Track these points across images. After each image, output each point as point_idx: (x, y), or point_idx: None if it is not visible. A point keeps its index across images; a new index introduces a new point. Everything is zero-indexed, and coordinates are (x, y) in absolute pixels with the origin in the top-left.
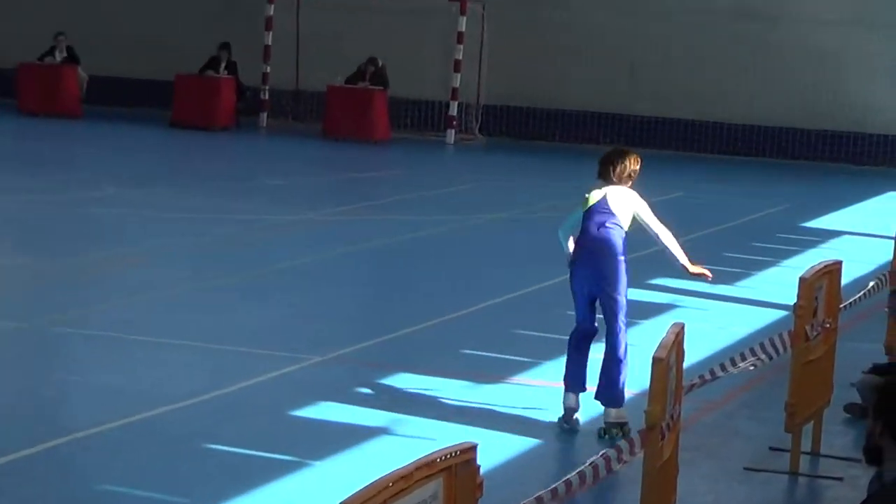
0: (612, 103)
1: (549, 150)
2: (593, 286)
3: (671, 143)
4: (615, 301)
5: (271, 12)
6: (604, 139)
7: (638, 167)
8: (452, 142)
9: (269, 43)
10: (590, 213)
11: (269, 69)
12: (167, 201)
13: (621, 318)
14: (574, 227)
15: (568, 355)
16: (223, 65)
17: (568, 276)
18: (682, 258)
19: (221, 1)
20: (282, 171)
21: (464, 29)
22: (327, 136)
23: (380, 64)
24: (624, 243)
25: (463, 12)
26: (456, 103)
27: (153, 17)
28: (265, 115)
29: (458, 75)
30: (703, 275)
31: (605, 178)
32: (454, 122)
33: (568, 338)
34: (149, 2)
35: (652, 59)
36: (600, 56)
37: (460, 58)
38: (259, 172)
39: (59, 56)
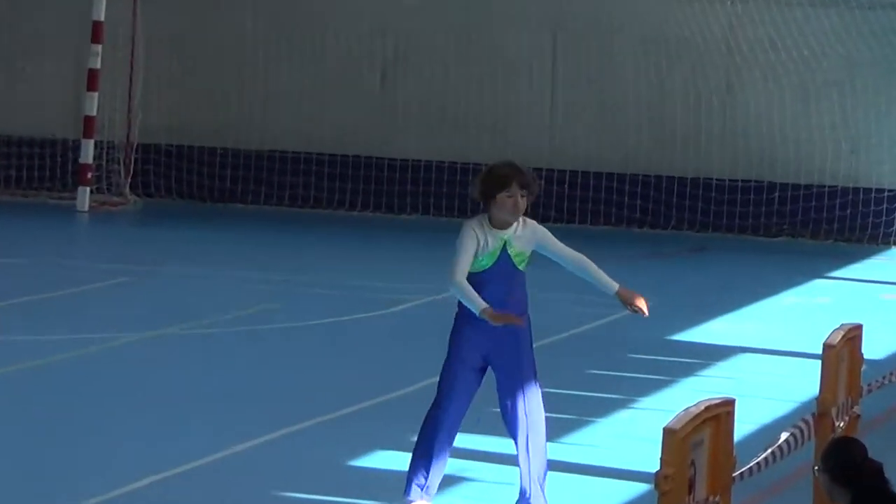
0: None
1: (247, 217)
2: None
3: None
4: None
5: None
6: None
7: None
8: (86, 208)
9: None
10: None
11: None
12: None
13: None
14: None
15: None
16: None
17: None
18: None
19: None
20: None
21: (102, 18)
22: None
23: None
24: None
25: None
26: (91, 144)
27: None
28: None
29: (95, 96)
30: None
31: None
32: (89, 176)
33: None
34: None
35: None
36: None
37: (97, 66)
38: None
39: None
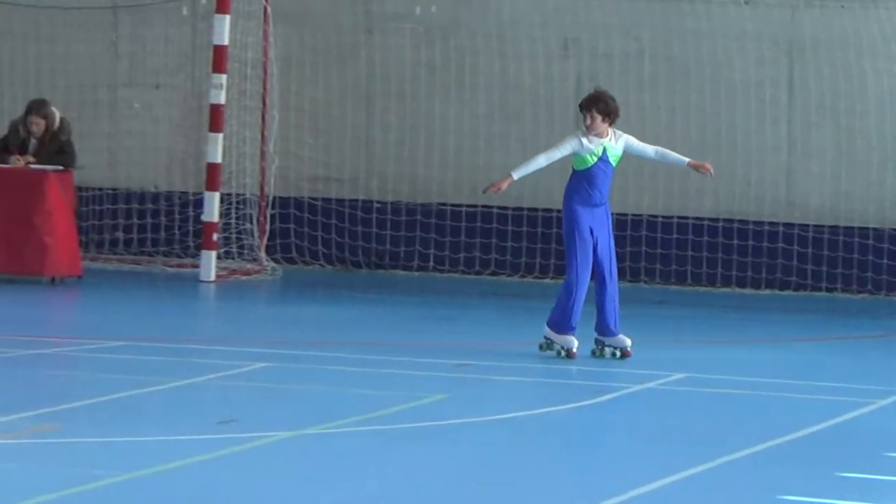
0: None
1: (411, 286)
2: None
3: None
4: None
5: None
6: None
7: None
8: (212, 277)
9: None
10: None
11: None
12: None
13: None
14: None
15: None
16: None
17: None
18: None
19: None
20: None
21: (225, 41)
22: None
23: (57, 119)
24: None
25: (224, 9)
26: (216, 198)
27: None
28: None
29: (219, 139)
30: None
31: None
32: (215, 237)
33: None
34: None
35: None
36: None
37: (222, 102)
38: None
39: None
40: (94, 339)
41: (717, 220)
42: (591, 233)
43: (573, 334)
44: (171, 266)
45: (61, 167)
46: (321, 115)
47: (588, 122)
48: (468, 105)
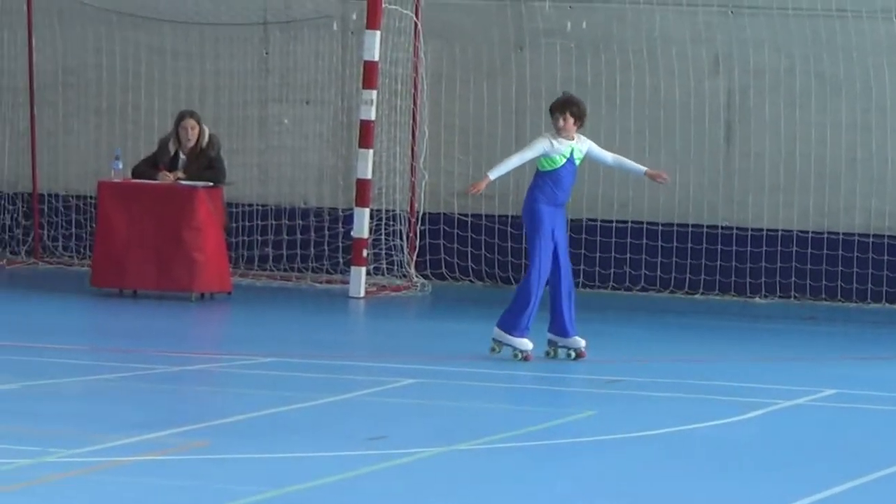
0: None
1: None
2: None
3: None
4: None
5: None
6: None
7: None
8: (362, 293)
9: None
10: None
11: None
12: None
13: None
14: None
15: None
16: None
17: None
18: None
19: None
20: None
21: (376, 56)
22: (101, 289)
23: (207, 135)
24: None
25: (374, 25)
26: (365, 214)
27: None
28: None
29: (369, 155)
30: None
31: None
32: (364, 254)
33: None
34: None
35: None
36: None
37: (372, 118)
38: None
39: None
40: (243, 355)
41: (867, 235)
42: (553, 234)
43: (528, 336)
44: (320, 282)
45: (211, 183)
46: (471, 131)
47: (561, 123)
48: (619, 121)
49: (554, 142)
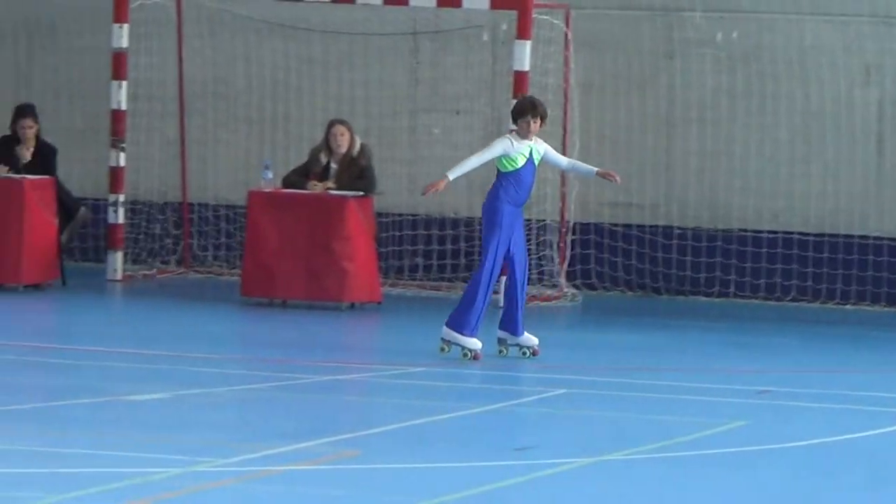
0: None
1: (712, 313)
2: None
3: None
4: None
5: (123, 42)
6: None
7: None
8: None
9: (121, 106)
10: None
11: (121, 160)
12: None
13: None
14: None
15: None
16: (28, 150)
17: None
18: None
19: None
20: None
21: (526, 67)
22: (251, 298)
23: (358, 144)
24: None
25: (525, 35)
26: None
27: None
28: (118, 257)
29: None
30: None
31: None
32: None
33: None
34: None
35: None
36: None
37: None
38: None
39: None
40: (393, 364)
41: None
42: (511, 234)
43: (476, 336)
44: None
45: (361, 193)
46: (621, 141)
47: (533, 126)
48: (769, 131)
49: (514, 142)
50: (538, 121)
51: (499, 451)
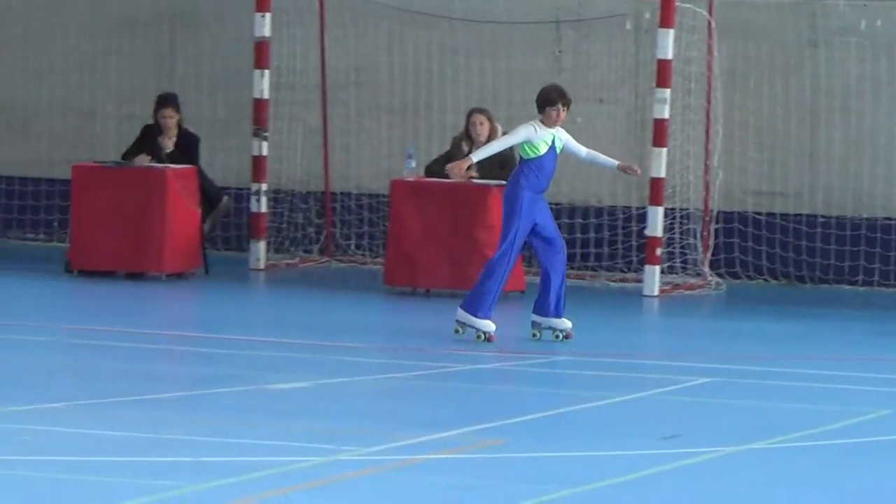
0: None
1: (856, 302)
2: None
3: None
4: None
5: (265, 31)
6: None
7: None
8: (656, 292)
9: (264, 95)
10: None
11: (263, 149)
12: None
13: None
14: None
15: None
16: (170, 140)
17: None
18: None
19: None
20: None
21: (669, 55)
22: (395, 288)
23: (499, 133)
24: None
25: (668, 23)
26: (659, 212)
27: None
28: (261, 246)
29: (663, 153)
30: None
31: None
32: (659, 252)
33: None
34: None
35: None
36: None
37: (665, 116)
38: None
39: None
40: (536, 353)
41: None
42: (536, 221)
43: (491, 318)
44: (614, 281)
45: (504, 182)
46: (765, 130)
47: (561, 115)
48: None
49: (538, 129)
50: (566, 110)
51: (645, 440)
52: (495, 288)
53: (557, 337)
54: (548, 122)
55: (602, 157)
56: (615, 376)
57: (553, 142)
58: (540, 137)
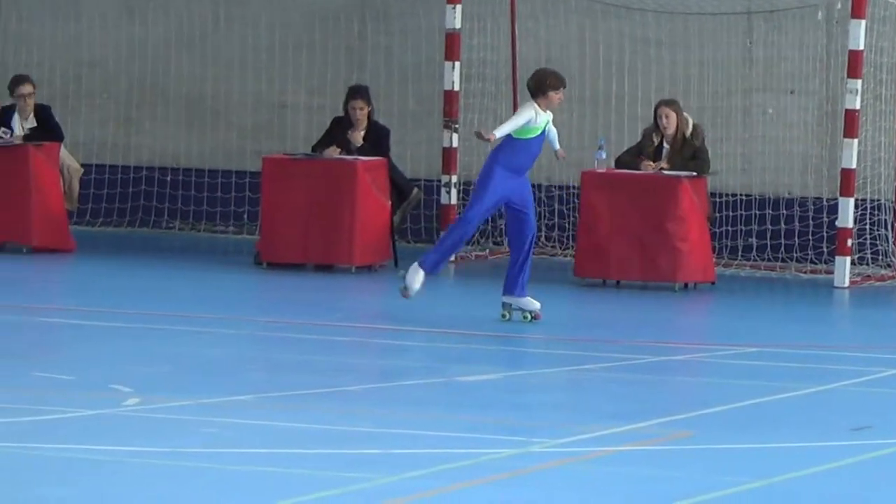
0: None
1: None
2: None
3: None
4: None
5: (456, 23)
6: None
7: None
8: (845, 283)
9: (454, 87)
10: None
11: (453, 141)
12: None
13: None
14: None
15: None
16: (359, 133)
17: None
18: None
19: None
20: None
21: (861, 46)
22: (584, 279)
23: (690, 125)
24: None
25: (859, 13)
26: (850, 203)
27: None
28: None
29: (854, 144)
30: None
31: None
32: (849, 243)
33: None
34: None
35: None
36: None
37: (856, 107)
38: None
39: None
40: (726, 345)
41: None
42: (510, 199)
43: (430, 273)
44: (804, 272)
45: (694, 173)
46: None
47: (560, 98)
48: None
49: (538, 113)
50: (562, 94)
51: (835, 431)
52: (448, 253)
53: (526, 318)
54: (548, 106)
55: (552, 136)
56: (804, 367)
57: (544, 127)
58: (536, 122)
